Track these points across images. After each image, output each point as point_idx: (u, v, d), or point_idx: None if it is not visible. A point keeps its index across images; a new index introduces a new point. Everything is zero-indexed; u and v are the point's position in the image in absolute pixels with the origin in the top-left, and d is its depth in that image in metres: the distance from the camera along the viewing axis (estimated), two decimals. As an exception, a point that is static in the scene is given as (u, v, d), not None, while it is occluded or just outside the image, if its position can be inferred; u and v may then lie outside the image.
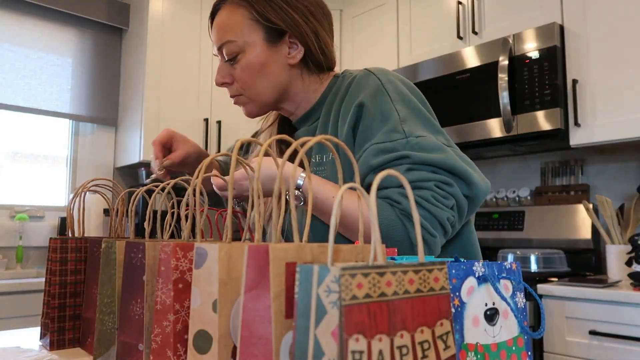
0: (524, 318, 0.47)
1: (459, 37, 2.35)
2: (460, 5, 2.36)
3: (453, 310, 0.42)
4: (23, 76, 2.51)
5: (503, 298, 0.44)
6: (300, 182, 0.75)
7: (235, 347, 0.44)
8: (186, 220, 0.58)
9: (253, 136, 1.07)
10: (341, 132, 0.82)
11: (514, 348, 0.45)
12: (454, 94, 2.19)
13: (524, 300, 0.47)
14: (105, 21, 2.75)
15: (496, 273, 0.46)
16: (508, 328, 0.45)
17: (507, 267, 0.47)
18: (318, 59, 0.90)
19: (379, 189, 0.75)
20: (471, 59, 2.22)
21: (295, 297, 0.34)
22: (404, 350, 0.34)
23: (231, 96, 0.90)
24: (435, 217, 0.72)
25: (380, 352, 0.32)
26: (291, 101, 0.91)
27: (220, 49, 0.86)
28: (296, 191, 0.74)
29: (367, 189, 0.76)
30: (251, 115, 0.91)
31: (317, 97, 0.91)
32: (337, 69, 1.00)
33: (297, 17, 0.86)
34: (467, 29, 2.34)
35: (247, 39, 0.84)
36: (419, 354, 0.35)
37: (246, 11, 0.84)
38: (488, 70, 2.08)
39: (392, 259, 0.54)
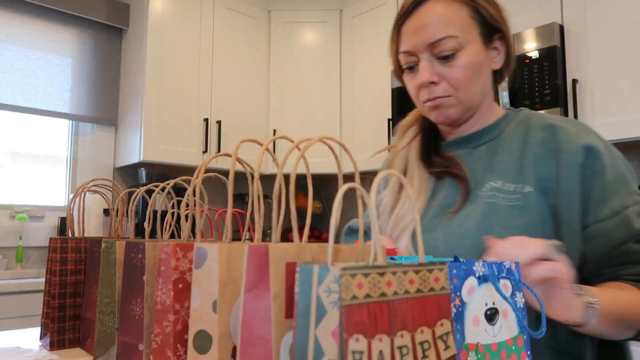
0: (524, 317, 0.47)
1: (459, 37, 2.35)
2: (460, 5, 2.36)
3: (454, 310, 0.42)
4: (23, 76, 2.51)
5: (504, 297, 0.44)
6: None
7: (235, 347, 0.44)
8: (186, 220, 0.58)
9: (391, 151, 0.99)
10: (548, 171, 0.76)
11: (513, 347, 0.45)
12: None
13: (523, 299, 0.48)
14: (105, 21, 2.75)
15: (496, 273, 0.46)
16: (508, 328, 0.45)
17: (506, 267, 0.47)
18: (506, 70, 0.87)
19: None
20: (471, 59, 2.22)
21: (295, 297, 0.34)
22: (404, 351, 0.34)
23: (432, 98, 0.81)
24: None
25: (381, 352, 0.32)
26: (477, 114, 0.86)
27: (432, 45, 0.78)
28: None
29: (623, 255, 0.71)
30: (450, 119, 0.83)
31: (494, 120, 0.86)
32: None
33: (505, 19, 0.83)
34: (467, 29, 2.34)
35: (467, 36, 0.79)
36: (419, 354, 0.35)
37: (466, 7, 0.79)
38: (488, 70, 2.08)
39: (392, 259, 0.54)
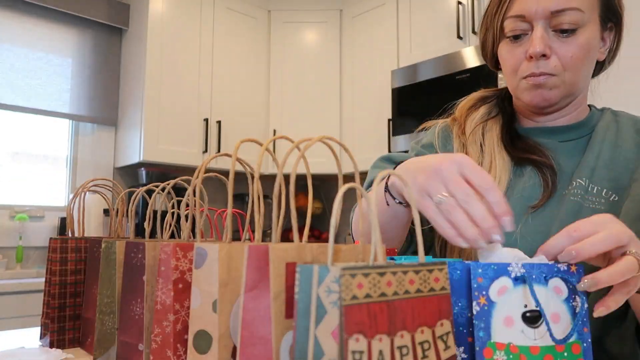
0: (584, 324, 0.43)
1: (459, 37, 2.35)
2: (460, 5, 2.36)
3: (478, 308, 0.42)
4: (23, 76, 2.51)
5: (536, 302, 0.42)
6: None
7: (235, 347, 0.44)
8: (186, 220, 0.58)
9: (452, 121, 0.87)
10: None
11: (565, 354, 0.42)
12: (454, 94, 2.19)
13: (585, 305, 0.43)
14: (105, 21, 2.75)
15: (544, 275, 0.44)
16: (558, 332, 0.43)
17: (563, 269, 0.44)
18: (605, 69, 0.81)
19: None
20: (471, 59, 2.22)
21: (295, 297, 0.34)
22: (404, 351, 0.34)
23: (537, 73, 0.72)
24: None
25: (381, 352, 0.32)
26: (572, 104, 0.78)
27: (555, 14, 0.70)
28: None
29: None
30: (546, 102, 0.74)
31: (582, 117, 0.80)
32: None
33: (623, 9, 0.76)
34: (467, 29, 2.34)
35: (590, 14, 0.71)
36: (419, 354, 0.35)
37: None
38: (488, 70, 2.07)
39: (392, 259, 0.54)
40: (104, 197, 0.83)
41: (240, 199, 3.09)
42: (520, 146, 0.78)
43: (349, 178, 3.18)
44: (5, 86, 2.45)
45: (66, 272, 0.73)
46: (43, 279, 2.11)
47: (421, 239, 0.40)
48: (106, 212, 2.47)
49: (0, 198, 2.47)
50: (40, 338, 0.75)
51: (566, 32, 0.70)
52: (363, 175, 2.93)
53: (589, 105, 0.83)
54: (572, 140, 0.78)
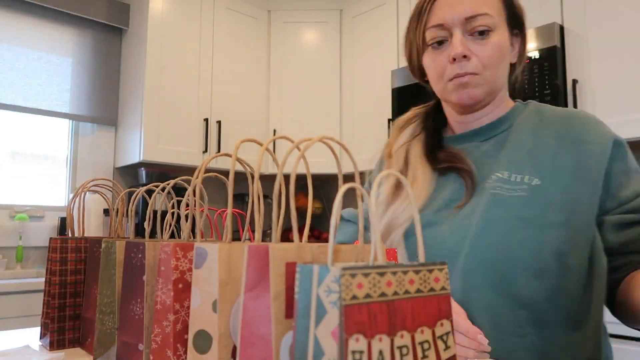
0: None
1: (459, 37, 2.35)
2: (460, 5, 2.36)
3: None
4: (23, 76, 2.51)
5: None
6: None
7: (235, 347, 0.44)
8: (186, 220, 0.58)
9: (386, 147, 0.98)
10: (563, 161, 0.76)
11: None
12: (454, 94, 2.19)
13: None
14: (105, 21, 2.75)
15: None
16: None
17: None
18: (517, 71, 0.88)
19: None
20: (471, 59, 2.22)
21: (295, 297, 0.34)
22: (404, 351, 0.34)
23: (462, 74, 0.79)
24: None
25: (381, 352, 0.32)
26: (494, 102, 0.85)
27: (469, 19, 0.78)
28: None
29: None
30: (474, 100, 0.81)
31: (502, 113, 0.86)
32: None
33: (525, 19, 0.86)
34: (467, 29, 2.34)
35: (498, 19, 0.80)
36: (419, 354, 0.35)
37: None
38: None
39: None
40: (104, 197, 0.83)
41: (240, 199, 3.09)
42: (441, 157, 0.86)
43: (349, 178, 3.18)
44: (5, 86, 2.45)
45: (66, 272, 0.73)
46: (43, 279, 2.11)
47: (421, 239, 0.40)
48: (106, 212, 2.47)
49: (0, 198, 2.47)
50: (40, 338, 0.75)
51: (481, 35, 0.78)
52: (363, 175, 2.92)
53: (515, 101, 0.89)
54: (492, 137, 0.84)
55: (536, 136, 0.80)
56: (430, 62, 0.83)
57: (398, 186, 0.86)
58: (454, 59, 0.78)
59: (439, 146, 0.89)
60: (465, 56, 0.78)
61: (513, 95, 0.91)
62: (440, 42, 0.81)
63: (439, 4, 0.81)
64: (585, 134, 0.77)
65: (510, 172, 0.78)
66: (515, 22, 0.84)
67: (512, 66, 0.86)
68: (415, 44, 0.86)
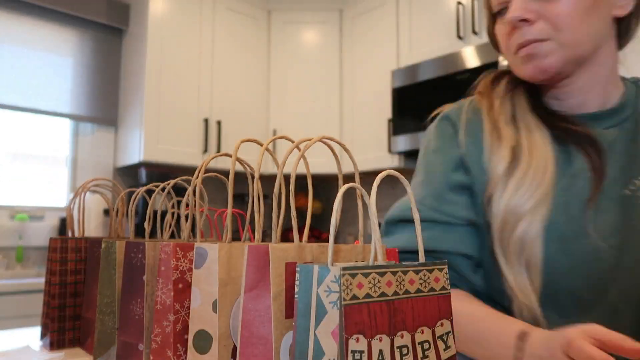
0: None
1: (459, 37, 2.35)
2: (460, 5, 2.36)
3: None
4: (23, 76, 2.51)
5: None
6: None
7: (235, 347, 0.44)
8: (186, 220, 0.58)
9: (481, 96, 0.73)
10: None
11: None
12: (454, 94, 2.19)
13: None
14: (105, 21, 2.75)
15: None
16: None
17: None
18: (633, 27, 0.68)
19: None
20: (471, 59, 2.22)
21: (295, 297, 0.34)
22: (404, 350, 0.34)
23: (524, 43, 0.63)
24: None
25: (381, 352, 0.32)
26: (590, 74, 0.66)
27: None
28: None
29: None
30: (547, 73, 0.64)
31: (620, 93, 0.68)
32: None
33: None
34: (467, 29, 2.34)
35: None
36: (419, 354, 0.35)
37: None
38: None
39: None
40: (104, 197, 0.83)
41: (240, 199, 3.09)
42: (558, 119, 0.67)
43: (349, 178, 3.18)
44: (5, 86, 2.45)
45: (66, 272, 0.73)
46: (43, 279, 2.11)
47: (421, 239, 0.40)
48: (106, 212, 2.47)
49: (0, 198, 2.47)
50: (41, 338, 0.75)
51: None
52: (363, 175, 2.93)
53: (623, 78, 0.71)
54: (617, 125, 0.66)
55: None
56: (498, 32, 0.69)
57: (513, 159, 0.65)
58: (513, 27, 0.64)
59: (547, 110, 0.69)
60: (525, 19, 0.63)
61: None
62: (506, 8, 0.66)
63: None
64: None
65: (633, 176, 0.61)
66: None
67: (626, 21, 0.67)
68: (486, 13, 0.72)
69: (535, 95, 0.71)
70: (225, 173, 2.91)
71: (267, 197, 3.12)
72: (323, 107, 3.04)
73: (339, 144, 0.45)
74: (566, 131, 0.65)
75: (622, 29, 0.67)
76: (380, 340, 0.32)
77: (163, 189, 0.65)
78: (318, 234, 3.30)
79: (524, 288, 0.58)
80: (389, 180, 3.03)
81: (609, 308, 0.59)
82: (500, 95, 0.71)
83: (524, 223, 0.60)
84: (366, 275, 0.33)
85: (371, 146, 2.79)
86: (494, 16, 0.69)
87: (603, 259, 0.59)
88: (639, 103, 0.67)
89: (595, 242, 0.59)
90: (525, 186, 0.61)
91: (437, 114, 0.77)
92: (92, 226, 2.36)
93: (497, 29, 0.69)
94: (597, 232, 0.60)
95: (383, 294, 0.33)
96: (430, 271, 0.38)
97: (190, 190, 0.55)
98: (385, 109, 2.70)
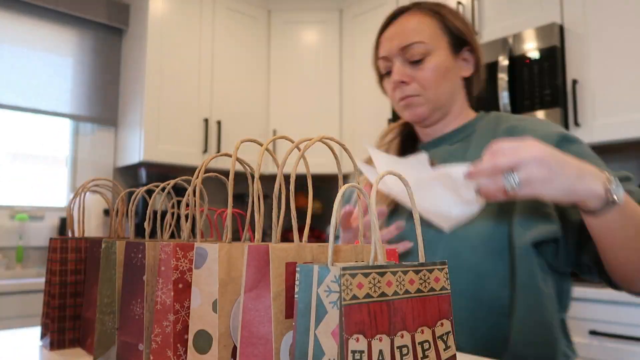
0: None
1: (459, 37, 2.35)
2: (460, 5, 2.36)
3: None
4: (23, 76, 2.51)
5: None
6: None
7: (235, 347, 0.44)
8: (186, 220, 0.58)
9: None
10: None
11: None
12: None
13: None
14: (105, 21, 2.75)
15: None
16: None
17: None
18: (476, 83, 0.97)
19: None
20: (471, 59, 2.22)
21: (295, 297, 0.34)
22: (404, 350, 0.34)
23: (403, 97, 0.92)
24: None
25: (381, 352, 0.32)
26: (449, 116, 0.95)
27: (404, 49, 0.90)
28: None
29: None
30: (419, 117, 0.93)
31: (464, 122, 0.95)
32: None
33: (472, 32, 0.95)
34: (467, 29, 2.34)
35: (435, 44, 0.90)
36: (419, 354, 0.35)
37: (436, 20, 0.92)
38: (488, 70, 2.08)
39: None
40: (104, 197, 0.83)
41: (240, 199, 3.09)
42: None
43: (348, 178, 3.18)
44: (5, 86, 2.45)
45: (66, 272, 0.73)
46: (43, 279, 2.11)
47: (421, 239, 0.40)
48: (106, 212, 2.47)
49: (0, 198, 2.47)
50: (41, 338, 0.75)
51: (417, 62, 0.90)
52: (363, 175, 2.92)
53: (479, 111, 0.98)
54: (458, 142, 0.93)
55: (494, 137, 0.87)
56: (386, 87, 0.97)
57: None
58: (396, 85, 0.91)
59: (412, 151, 0.98)
60: (403, 81, 0.90)
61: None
62: (389, 72, 0.94)
63: (383, 38, 0.95)
64: (531, 132, 0.83)
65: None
66: (459, 41, 0.92)
67: (470, 79, 0.96)
68: (376, 72, 1.00)
69: (406, 141, 1.01)
70: (225, 173, 2.91)
71: (267, 197, 3.12)
72: (323, 107, 3.04)
73: (339, 144, 0.45)
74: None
75: (468, 85, 0.97)
76: (380, 340, 0.32)
77: (163, 189, 0.65)
78: (318, 234, 3.30)
79: None
80: (389, 180, 3.02)
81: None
82: (383, 144, 1.03)
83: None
84: (366, 275, 0.33)
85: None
86: (382, 76, 0.98)
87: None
88: (480, 124, 0.93)
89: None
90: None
91: None
92: (92, 226, 2.36)
93: (385, 84, 0.98)
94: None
95: (383, 294, 0.33)
96: (430, 271, 0.38)
97: (190, 190, 0.55)
98: (385, 109, 2.70)
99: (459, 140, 0.93)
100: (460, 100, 0.96)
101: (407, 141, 1.02)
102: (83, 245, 0.75)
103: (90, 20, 2.73)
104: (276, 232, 0.44)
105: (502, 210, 0.80)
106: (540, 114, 1.92)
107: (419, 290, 0.36)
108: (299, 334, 0.34)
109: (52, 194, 2.66)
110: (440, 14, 0.93)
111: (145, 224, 0.67)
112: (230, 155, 0.49)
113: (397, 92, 0.93)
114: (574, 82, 1.90)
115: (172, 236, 1.49)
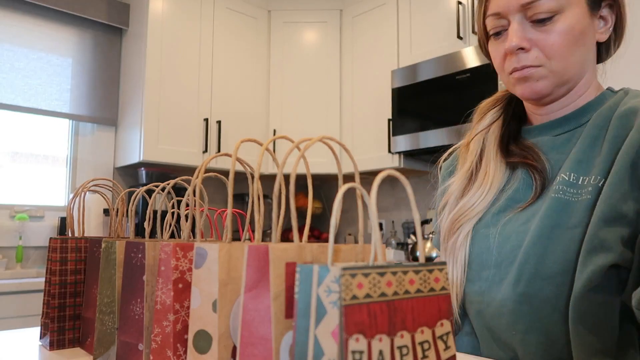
0: None
1: (459, 37, 2.35)
2: (460, 5, 2.36)
3: None
4: (23, 76, 2.51)
5: None
6: None
7: (235, 347, 0.44)
8: (186, 220, 0.58)
9: (468, 135, 0.88)
10: (612, 164, 0.65)
11: None
12: (454, 94, 2.19)
13: None
14: (105, 21, 2.75)
15: None
16: None
17: None
18: (615, 45, 0.77)
19: None
20: (471, 59, 2.22)
21: (295, 297, 0.34)
22: (404, 351, 0.34)
23: (519, 68, 0.71)
24: None
25: (381, 352, 0.32)
26: (573, 92, 0.75)
27: (528, 4, 0.69)
28: None
29: None
30: (538, 95, 0.73)
31: (585, 101, 0.75)
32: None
33: None
34: (467, 29, 2.34)
35: None
36: (419, 354, 0.35)
37: None
38: (488, 71, 2.07)
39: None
40: (104, 197, 0.83)
41: (240, 199, 3.09)
42: (515, 151, 0.79)
43: (349, 178, 3.18)
44: (5, 86, 2.45)
45: (66, 272, 0.73)
46: (43, 279, 2.11)
47: (421, 238, 0.40)
48: (106, 212, 2.47)
49: (0, 198, 2.47)
50: (40, 338, 0.75)
51: (543, 22, 0.69)
52: (363, 175, 2.93)
53: (608, 88, 0.78)
54: (565, 132, 0.75)
55: (603, 129, 0.69)
56: (493, 52, 0.77)
57: (471, 178, 0.81)
58: (511, 52, 0.71)
59: (515, 138, 0.81)
60: (522, 48, 0.70)
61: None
62: (499, 33, 0.74)
63: None
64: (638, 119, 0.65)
65: (576, 173, 0.68)
66: None
67: (606, 44, 0.76)
68: (479, 32, 0.79)
69: (511, 123, 0.83)
70: (225, 173, 2.91)
71: (267, 197, 3.12)
72: (323, 107, 3.04)
73: (339, 144, 0.45)
74: (518, 162, 0.77)
75: (602, 51, 0.78)
76: (380, 341, 0.32)
77: (163, 189, 0.65)
78: (318, 234, 3.30)
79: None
80: (389, 180, 3.03)
81: (512, 285, 0.69)
82: (477, 132, 0.85)
83: (461, 227, 0.77)
84: (366, 275, 0.33)
85: (371, 146, 2.79)
86: (485, 37, 0.78)
87: (501, 245, 0.72)
88: (600, 109, 0.73)
89: (495, 232, 0.74)
90: (471, 202, 0.78)
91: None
92: (92, 226, 2.36)
93: (491, 47, 0.78)
94: (512, 224, 0.72)
95: (383, 294, 0.33)
96: (430, 271, 0.38)
97: (190, 190, 0.55)
98: (385, 109, 2.70)
99: (569, 130, 0.74)
100: (591, 72, 0.75)
101: (510, 124, 0.82)
102: (83, 245, 0.75)
103: (90, 19, 2.73)
104: (276, 232, 0.44)
105: None
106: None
107: (419, 291, 0.36)
108: (298, 334, 0.34)
109: (52, 193, 2.66)
110: None
111: (145, 223, 0.67)
112: (230, 155, 0.49)
113: (509, 62, 0.72)
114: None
115: (172, 236, 1.49)
